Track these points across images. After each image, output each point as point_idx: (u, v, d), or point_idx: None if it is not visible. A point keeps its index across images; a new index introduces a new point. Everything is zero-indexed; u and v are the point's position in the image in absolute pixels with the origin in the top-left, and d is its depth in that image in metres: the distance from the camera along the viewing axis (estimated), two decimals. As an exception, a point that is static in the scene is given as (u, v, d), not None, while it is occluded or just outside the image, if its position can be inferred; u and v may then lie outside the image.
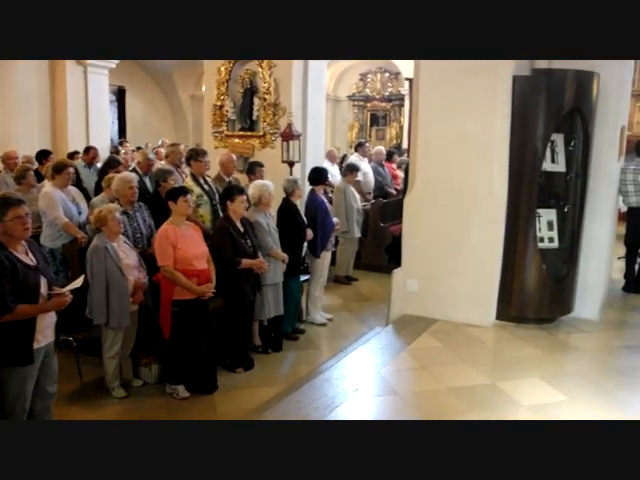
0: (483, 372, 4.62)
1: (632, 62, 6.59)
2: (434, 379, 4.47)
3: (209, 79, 8.04)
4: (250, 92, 7.68)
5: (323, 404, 4.02)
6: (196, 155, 5.82)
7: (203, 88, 9.14)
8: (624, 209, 7.36)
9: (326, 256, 6.11)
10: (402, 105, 15.61)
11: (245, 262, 4.76)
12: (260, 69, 7.47)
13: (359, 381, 4.42)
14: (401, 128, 15.75)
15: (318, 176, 6.08)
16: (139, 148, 11.32)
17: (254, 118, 7.66)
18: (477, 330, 5.45)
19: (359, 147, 9.50)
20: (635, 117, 12.46)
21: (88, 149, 8.31)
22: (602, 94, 5.53)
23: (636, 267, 7.16)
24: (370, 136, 16.36)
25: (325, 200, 6.21)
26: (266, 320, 5.36)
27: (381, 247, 8.26)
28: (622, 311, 6.42)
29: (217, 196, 5.68)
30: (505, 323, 5.60)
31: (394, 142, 15.90)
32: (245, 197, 4.90)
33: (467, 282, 5.55)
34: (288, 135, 6.71)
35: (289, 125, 6.80)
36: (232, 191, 4.89)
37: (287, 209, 5.55)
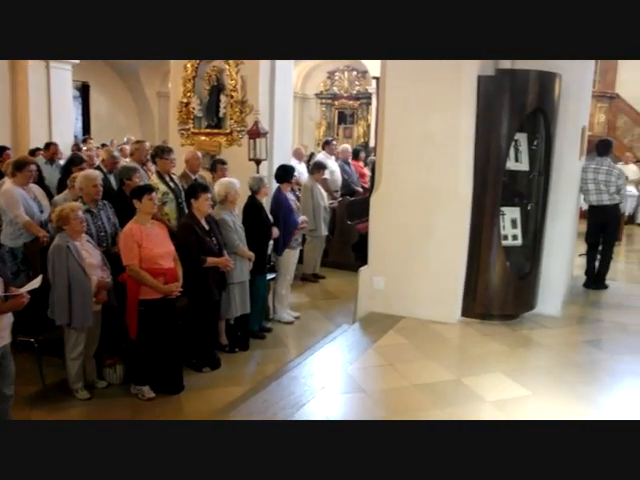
0: (448, 368, 4.68)
1: (592, 64, 6.74)
2: (400, 376, 4.50)
3: (175, 76, 7.96)
4: (217, 89, 7.62)
5: (290, 403, 4.02)
6: (161, 153, 5.75)
7: (170, 85, 9.04)
8: (585, 207, 7.52)
9: (292, 254, 6.09)
10: (369, 103, 15.67)
11: (210, 260, 4.73)
12: (227, 66, 7.42)
13: (326, 379, 4.43)
14: (369, 126, 15.81)
15: (284, 174, 6.07)
16: (104, 145, 11.14)
17: (221, 115, 7.61)
18: (442, 327, 5.51)
19: (326, 145, 9.50)
20: (596, 117, 12.75)
21: (48, 145, 8.16)
22: (564, 95, 5.65)
23: (596, 264, 7.32)
24: (338, 134, 16.39)
25: (293, 198, 6.20)
26: (233, 319, 5.34)
27: (348, 245, 8.29)
28: (583, 307, 6.55)
29: (183, 194, 5.62)
30: (470, 320, 5.68)
31: (362, 140, 15.96)
32: (209, 195, 4.86)
33: (433, 279, 5.61)
34: (255, 133, 6.68)
35: (256, 123, 6.77)
36: (196, 189, 4.85)
37: (252, 207, 5.52)
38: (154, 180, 5.61)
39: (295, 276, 6.62)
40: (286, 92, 7.90)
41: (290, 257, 6.04)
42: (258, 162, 6.67)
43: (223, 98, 7.54)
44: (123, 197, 5.13)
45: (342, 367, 4.65)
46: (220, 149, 7.58)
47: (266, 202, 5.97)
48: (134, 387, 4.44)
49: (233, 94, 7.43)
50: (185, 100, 7.74)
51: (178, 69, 7.80)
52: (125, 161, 7.45)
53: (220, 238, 4.93)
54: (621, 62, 13.44)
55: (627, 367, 4.87)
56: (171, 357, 4.49)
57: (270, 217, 5.64)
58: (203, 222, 4.82)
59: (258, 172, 6.46)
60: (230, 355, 5.22)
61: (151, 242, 4.28)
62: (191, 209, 4.85)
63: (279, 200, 5.96)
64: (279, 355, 5.35)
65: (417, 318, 5.62)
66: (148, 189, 4.46)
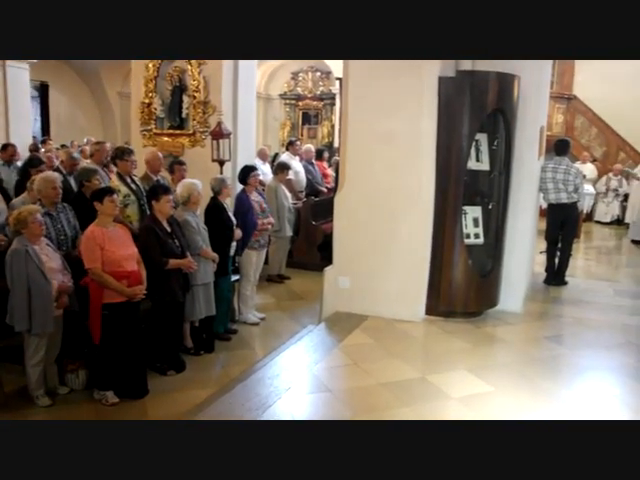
0: (413, 366, 4.72)
1: (549, 66, 6.88)
2: (366, 375, 4.53)
3: (137, 76, 7.84)
4: (179, 90, 7.55)
5: (256, 404, 4.00)
6: (122, 154, 5.66)
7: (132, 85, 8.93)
8: (545, 205, 7.68)
9: (255, 255, 6.05)
10: (333, 104, 15.71)
11: (173, 262, 4.68)
12: (189, 67, 7.36)
13: (292, 379, 4.43)
14: (333, 127, 15.86)
15: (242, 175, 6.07)
16: (63, 146, 10.93)
17: (183, 116, 7.55)
18: (407, 325, 5.57)
19: (290, 145, 9.50)
20: (554, 118, 13.04)
21: (6, 146, 7.97)
22: (522, 96, 5.76)
23: (556, 260, 7.49)
24: (302, 135, 16.39)
25: (259, 199, 6.16)
26: (197, 321, 5.29)
27: (313, 245, 8.30)
28: (544, 303, 6.70)
29: (145, 195, 5.55)
30: (434, 318, 5.75)
31: (326, 140, 16.00)
32: (171, 197, 4.81)
33: (397, 279, 5.66)
34: (218, 134, 6.63)
35: (219, 124, 6.72)
36: (157, 190, 4.80)
37: (214, 208, 5.48)
38: (115, 182, 5.52)
39: (260, 277, 6.60)
40: (249, 93, 7.87)
41: (251, 258, 6.00)
42: (221, 163, 6.63)
43: (185, 99, 7.47)
44: (83, 199, 5.04)
45: (308, 367, 4.66)
46: (183, 150, 7.51)
47: (231, 203, 5.94)
48: (97, 392, 4.37)
49: (196, 95, 7.37)
50: (147, 100, 7.64)
51: (139, 69, 7.69)
52: (85, 162, 7.33)
53: (182, 239, 4.88)
54: (578, 65, 13.77)
55: (587, 362, 4.98)
56: (135, 361, 4.43)
57: (233, 218, 5.60)
58: (165, 224, 4.77)
59: (222, 173, 6.41)
60: (195, 358, 5.17)
61: (114, 245, 4.22)
62: (152, 211, 4.80)
63: (240, 201, 5.93)
64: (245, 357, 5.31)
65: (382, 317, 5.67)
66: (109, 191, 4.40)
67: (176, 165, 6.24)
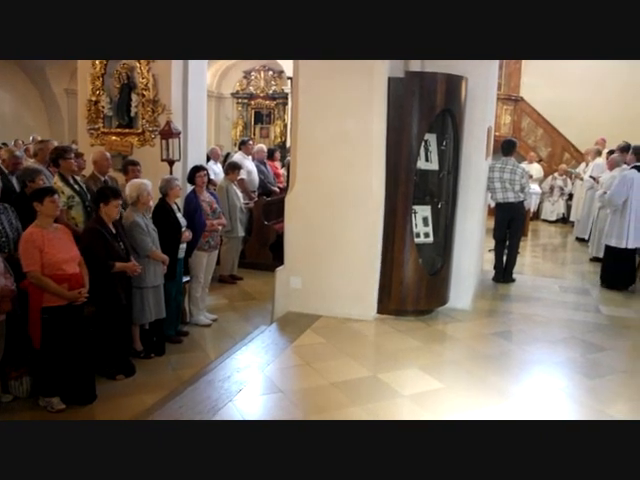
0: (365, 365, 4.74)
1: (497, 68, 7.04)
2: (318, 375, 4.53)
3: (83, 73, 7.68)
4: (128, 88, 7.43)
5: (206, 407, 3.95)
6: (63, 153, 5.47)
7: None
8: (493, 205, 7.84)
9: (206, 256, 5.98)
10: (286, 103, 15.67)
11: (119, 265, 4.59)
12: (138, 64, 7.26)
13: (243, 381, 4.39)
14: (285, 126, 15.81)
15: (189, 175, 6.01)
16: (5, 144, 10.59)
17: (132, 115, 7.43)
18: (359, 324, 5.59)
19: (243, 145, 9.42)
20: (502, 119, 13.34)
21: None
22: (470, 97, 5.86)
23: (504, 258, 7.65)
24: (254, 134, 16.29)
25: (210, 199, 6.10)
26: (147, 324, 5.20)
27: (265, 245, 8.27)
28: (492, 300, 6.83)
29: (89, 196, 5.41)
30: (386, 316, 5.79)
31: (278, 140, 15.95)
32: (120, 201, 4.71)
33: (349, 278, 5.68)
34: (167, 133, 6.55)
35: (168, 122, 6.64)
36: (107, 194, 4.68)
37: (161, 209, 5.39)
38: (57, 183, 5.33)
39: (212, 278, 6.53)
40: (200, 91, 7.80)
41: (201, 259, 5.93)
42: (171, 163, 6.54)
43: (134, 97, 7.35)
44: (26, 200, 4.87)
45: (259, 368, 4.63)
46: (132, 149, 7.39)
47: (181, 203, 5.86)
48: (42, 399, 4.24)
49: (145, 93, 7.26)
50: (94, 98, 7.50)
51: (86, 66, 7.53)
52: (30, 162, 7.10)
53: (127, 242, 4.79)
54: (524, 67, 14.12)
55: (534, 357, 5.11)
56: (81, 366, 4.31)
57: (182, 219, 5.52)
58: (110, 226, 4.67)
59: (171, 173, 6.33)
60: (145, 361, 5.08)
61: (54, 247, 4.08)
62: (99, 212, 4.68)
63: (189, 201, 5.87)
64: (196, 359, 5.24)
65: (334, 316, 5.68)
66: (50, 191, 4.25)
67: (130, 166, 6.09)
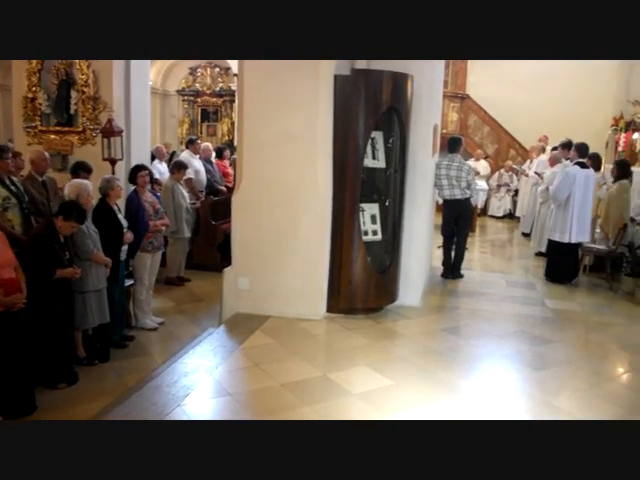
0: (315, 365, 4.70)
1: (442, 66, 7.11)
2: (267, 376, 4.46)
3: (18, 68, 7.40)
4: (66, 84, 7.20)
5: (153, 413, 3.83)
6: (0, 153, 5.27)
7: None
8: (441, 201, 7.92)
9: (149, 258, 5.84)
10: (233, 100, 15.47)
11: (60, 272, 4.44)
12: (77, 60, 6.99)
13: (191, 385, 4.29)
14: (233, 124, 15.63)
15: (130, 175, 5.87)
16: None
17: (72, 112, 7.20)
18: (309, 324, 5.55)
19: (190, 144, 9.26)
20: (449, 116, 13.54)
21: None
22: (416, 95, 5.89)
23: (452, 254, 7.74)
24: (201, 132, 16.05)
25: (152, 199, 5.95)
26: (91, 329, 5.03)
27: (213, 246, 8.14)
28: (441, 296, 6.91)
29: (27, 198, 5.20)
30: (335, 315, 5.77)
31: (226, 138, 15.75)
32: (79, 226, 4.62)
33: (297, 277, 5.63)
34: (109, 131, 6.36)
35: (109, 120, 6.46)
36: (72, 214, 4.50)
37: (102, 211, 5.22)
38: (-8, 185, 5.13)
39: (159, 280, 6.38)
40: (143, 88, 7.63)
41: (145, 261, 5.79)
42: (113, 162, 6.35)
43: (74, 94, 7.13)
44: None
45: (207, 372, 4.53)
46: (72, 149, 7.15)
47: (122, 204, 5.69)
48: (-24, 411, 4.04)
49: (85, 89, 7.06)
50: (30, 95, 7.23)
51: (21, 61, 7.25)
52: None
53: (72, 248, 4.63)
54: (470, 65, 14.37)
55: (482, 351, 5.18)
56: (19, 375, 4.12)
57: (123, 221, 5.36)
58: (60, 235, 4.52)
59: (114, 173, 6.14)
60: (89, 368, 4.91)
61: (-13, 251, 3.90)
62: (52, 221, 4.49)
63: (130, 201, 5.72)
64: (142, 364, 5.10)
65: (283, 316, 5.62)
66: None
67: (81, 171, 5.82)
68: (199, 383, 4.34)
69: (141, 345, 5.54)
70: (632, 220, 7.78)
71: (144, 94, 7.66)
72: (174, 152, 11.22)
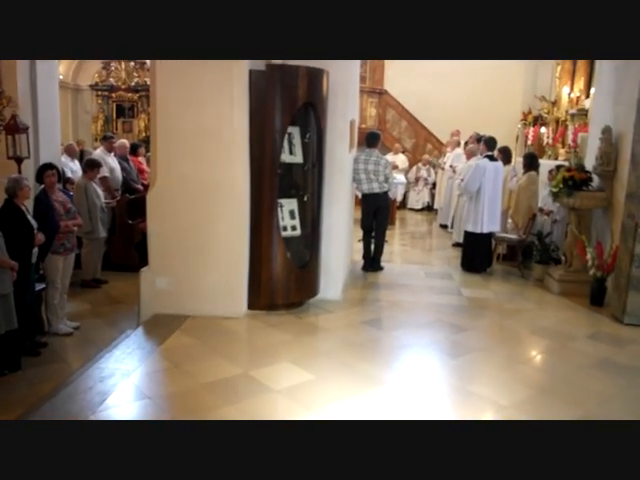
0: (236, 363, 4.66)
1: (358, 62, 7.19)
2: (187, 377, 4.39)
3: None
4: (-35, 79, 6.76)
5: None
6: None
7: None
8: (360, 195, 8.01)
9: (62, 260, 5.62)
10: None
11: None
12: (-24, 54, 6.61)
13: (106, 391, 4.15)
14: (150, 120, 15.23)
15: (37, 174, 5.62)
16: None
17: (-28, 109, 6.77)
18: (230, 322, 5.50)
19: (104, 141, 8.96)
20: (367, 111, 13.74)
21: None
22: (332, 90, 5.93)
23: (372, 247, 7.86)
24: (116, 128, 15.53)
25: (63, 198, 5.72)
26: (-3, 337, 4.78)
27: (131, 245, 7.92)
28: (362, 289, 7.01)
29: None
30: (257, 312, 5.74)
31: (143, 135, 15.30)
32: None
33: (217, 275, 5.56)
34: (13, 128, 6.06)
35: (14, 116, 6.15)
36: None
37: (9, 212, 4.97)
38: None
39: (73, 282, 6.15)
40: (51, 82, 7.30)
41: (57, 263, 5.57)
42: (19, 161, 6.05)
43: (-26, 89, 6.72)
44: None
45: (124, 375, 4.39)
46: (-27, 146, 6.74)
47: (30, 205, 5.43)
48: None
49: (-14, 84, 6.66)
50: None
51: None
52: None
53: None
54: (387, 61, 14.61)
55: (401, 342, 5.30)
56: None
57: (33, 222, 5.11)
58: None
59: (20, 172, 5.85)
60: (-2, 379, 4.68)
61: None
62: None
63: (39, 202, 5.48)
64: (57, 371, 4.90)
65: (204, 315, 5.54)
66: None
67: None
68: (116, 388, 4.21)
69: (55, 352, 5.33)
70: (540, 210, 8.16)
71: (52, 88, 7.32)
72: (82, 150, 10.73)
